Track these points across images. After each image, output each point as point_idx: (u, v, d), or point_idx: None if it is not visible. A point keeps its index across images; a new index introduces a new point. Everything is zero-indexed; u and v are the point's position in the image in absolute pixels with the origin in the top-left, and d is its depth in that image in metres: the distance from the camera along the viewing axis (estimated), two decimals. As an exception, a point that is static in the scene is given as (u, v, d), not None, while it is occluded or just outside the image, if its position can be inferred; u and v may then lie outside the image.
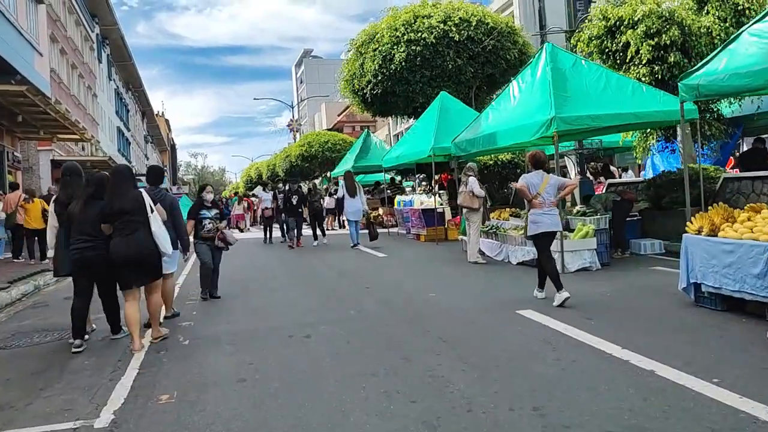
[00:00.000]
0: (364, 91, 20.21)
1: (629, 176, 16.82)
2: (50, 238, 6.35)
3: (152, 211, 5.89)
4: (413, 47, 18.68)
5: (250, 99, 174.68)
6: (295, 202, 14.75)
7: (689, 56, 10.41)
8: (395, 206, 18.18)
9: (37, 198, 13.69)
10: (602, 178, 15.77)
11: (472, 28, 18.80)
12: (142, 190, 6.16)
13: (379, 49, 19.29)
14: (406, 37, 18.74)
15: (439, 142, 14.31)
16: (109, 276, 5.93)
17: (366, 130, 24.27)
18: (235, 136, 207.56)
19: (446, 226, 15.38)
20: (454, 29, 18.64)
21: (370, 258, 12.73)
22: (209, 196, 8.37)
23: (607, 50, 11.17)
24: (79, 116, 29.95)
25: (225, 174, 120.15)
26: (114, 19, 38.70)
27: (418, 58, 18.77)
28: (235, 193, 38.50)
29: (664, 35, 10.13)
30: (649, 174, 13.65)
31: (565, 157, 15.96)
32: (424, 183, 25.77)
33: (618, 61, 10.97)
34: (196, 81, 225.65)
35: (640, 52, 10.41)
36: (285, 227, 15.65)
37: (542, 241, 6.88)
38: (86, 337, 6.20)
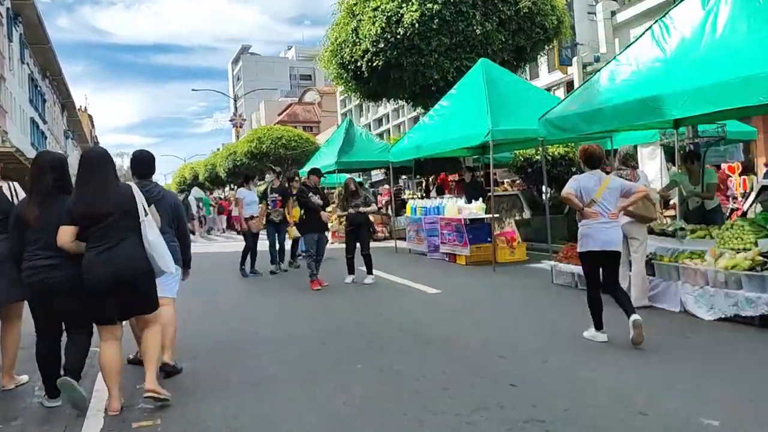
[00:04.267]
0: (359, 64, 15.57)
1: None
2: None
3: (146, 213, 4.14)
4: (429, 5, 14.25)
5: (180, 99, 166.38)
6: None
7: None
8: (408, 214, 13.70)
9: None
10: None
11: (504, -17, 14.55)
12: (131, 183, 4.38)
13: (382, 7, 14.75)
14: (419, -9, 14.31)
15: (496, 123, 10.01)
16: (83, 307, 4.10)
17: (347, 118, 19.72)
18: (163, 137, 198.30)
19: (495, 243, 11.04)
20: (483, -17, 14.34)
21: (419, 296, 8.24)
22: None
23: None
24: (-21, 99, 24.34)
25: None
26: (28, -7, 32.82)
27: (435, 20, 14.32)
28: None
29: None
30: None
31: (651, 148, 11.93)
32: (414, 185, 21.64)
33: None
34: (124, 79, 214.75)
35: None
36: (291, 251, 11.69)
37: (594, 262, 5.44)
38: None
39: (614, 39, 36.19)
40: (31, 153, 33.07)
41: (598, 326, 5.38)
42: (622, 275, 6.90)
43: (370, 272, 9.50)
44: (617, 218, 5.44)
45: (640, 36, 7.53)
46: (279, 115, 76.77)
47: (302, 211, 9.22)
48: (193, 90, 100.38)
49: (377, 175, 31.77)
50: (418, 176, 20.27)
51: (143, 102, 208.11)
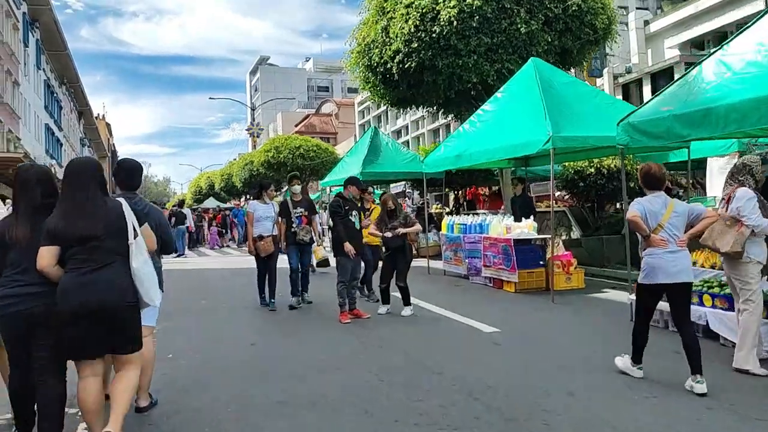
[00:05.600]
0: (388, 66, 14.17)
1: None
2: None
3: (136, 235, 3.62)
4: (468, 0, 12.86)
5: (198, 110, 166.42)
6: (356, 224, 7.80)
7: None
8: (444, 231, 12.22)
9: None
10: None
11: (551, -22, 13.09)
12: (122, 200, 3.77)
13: (416, 4, 13.37)
14: (458, -15, 12.90)
15: (558, 128, 8.55)
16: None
17: (373, 126, 18.37)
18: (181, 147, 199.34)
19: (550, 268, 9.55)
20: (530, -22, 12.89)
21: (474, 337, 6.76)
22: None
23: None
24: (-9, 103, 23.42)
25: (170, 185, 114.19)
26: (46, -1, 32.11)
27: (476, 18, 12.90)
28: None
29: None
30: None
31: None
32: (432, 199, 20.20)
33: None
34: (142, 90, 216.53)
35: None
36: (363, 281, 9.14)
37: (655, 296, 4.89)
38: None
39: (647, 49, 34.74)
40: (45, 160, 32.25)
41: (637, 360, 4.96)
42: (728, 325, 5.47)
43: (407, 303, 8.07)
44: (685, 246, 4.79)
45: (759, 17, 6.06)
46: (296, 126, 75.90)
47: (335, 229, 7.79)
48: (210, 98, 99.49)
49: (396, 187, 30.34)
50: (446, 189, 18.82)
51: (161, 112, 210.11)
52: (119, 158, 4.25)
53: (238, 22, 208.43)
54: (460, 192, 19.33)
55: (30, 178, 3.72)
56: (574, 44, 13.85)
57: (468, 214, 13.31)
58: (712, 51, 6.53)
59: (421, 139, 57.53)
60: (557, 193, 14.06)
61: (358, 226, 7.93)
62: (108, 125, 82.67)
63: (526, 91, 9.84)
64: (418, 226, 8.23)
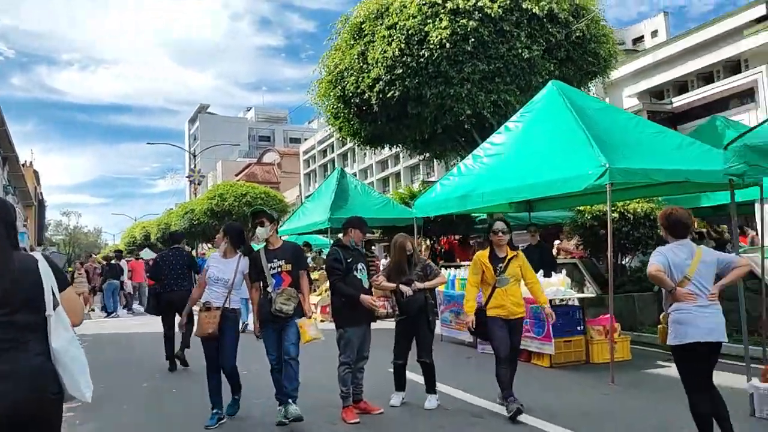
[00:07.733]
0: (365, 96, 12.28)
1: None
2: None
3: (55, 304, 2.59)
4: (462, 21, 11.19)
5: (133, 160, 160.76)
6: (363, 281, 5.83)
7: None
8: (443, 289, 10.15)
9: None
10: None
11: (554, 0, 11.59)
12: (38, 255, 2.71)
13: (401, 24, 11.60)
14: (450, 4, 11.23)
15: (614, 160, 6.75)
16: None
17: (339, 168, 16.38)
18: (113, 197, 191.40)
19: (588, 334, 7.65)
20: (533, -1, 11.33)
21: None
22: None
23: None
24: None
25: (101, 235, 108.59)
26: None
27: (470, 40, 11.23)
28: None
29: None
30: None
31: None
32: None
33: None
34: (76, 139, 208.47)
35: None
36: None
37: (691, 357, 4.21)
38: None
39: (605, 97, 34.56)
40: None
41: None
42: None
43: (431, 390, 5.96)
44: (716, 300, 4.27)
45: None
46: (237, 175, 73.54)
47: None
48: (148, 143, 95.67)
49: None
50: (422, 237, 16.93)
51: (94, 162, 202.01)
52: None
53: (177, 73, 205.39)
54: (433, 241, 17.40)
55: None
56: (575, 75, 12.37)
57: (455, 267, 11.38)
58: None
59: (375, 184, 56.04)
60: (558, 243, 12.31)
61: (366, 284, 5.83)
62: (36, 173, 77.63)
63: (554, 118, 8.09)
64: (443, 277, 6.19)
